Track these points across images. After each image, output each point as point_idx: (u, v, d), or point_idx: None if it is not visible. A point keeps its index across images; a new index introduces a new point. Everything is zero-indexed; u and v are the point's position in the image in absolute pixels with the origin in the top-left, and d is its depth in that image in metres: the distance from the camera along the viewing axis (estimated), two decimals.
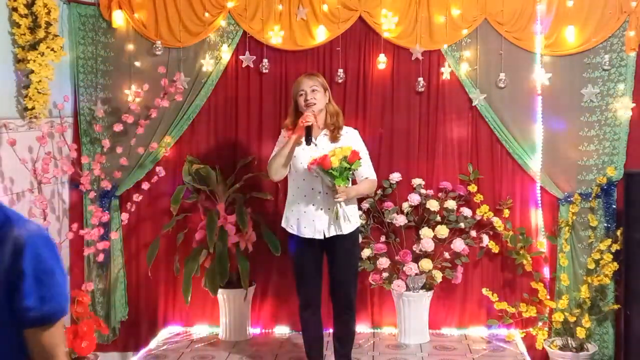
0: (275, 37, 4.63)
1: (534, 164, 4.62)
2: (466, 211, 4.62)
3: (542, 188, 4.65)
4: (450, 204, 4.62)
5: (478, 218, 4.64)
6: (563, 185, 4.61)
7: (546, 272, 4.66)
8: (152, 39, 4.67)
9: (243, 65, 4.72)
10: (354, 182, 3.90)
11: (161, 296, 4.92)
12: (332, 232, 3.75)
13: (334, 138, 3.80)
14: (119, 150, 4.53)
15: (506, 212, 4.64)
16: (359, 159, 3.67)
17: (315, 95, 3.73)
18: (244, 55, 4.69)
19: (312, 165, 3.67)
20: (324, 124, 3.83)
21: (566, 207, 4.58)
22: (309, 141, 3.66)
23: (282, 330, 4.88)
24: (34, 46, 4.04)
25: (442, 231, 4.58)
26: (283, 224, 3.89)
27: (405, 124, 4.73)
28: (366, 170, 3.86)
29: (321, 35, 4.63)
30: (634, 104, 4.51)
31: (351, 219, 3.78)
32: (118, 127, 4.50)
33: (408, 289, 4.59)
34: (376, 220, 4.71)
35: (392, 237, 4.71)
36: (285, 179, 3.89)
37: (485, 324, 4.77)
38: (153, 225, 4.82)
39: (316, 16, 4.62)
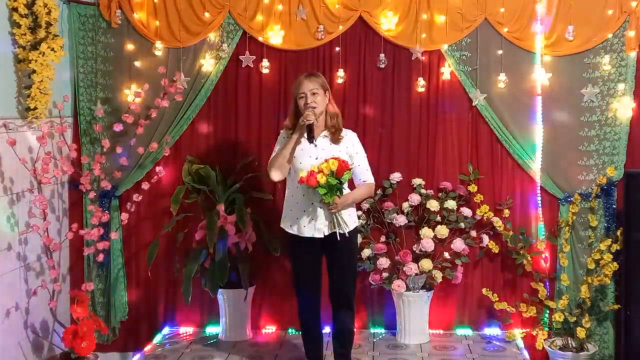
0: (275, 37, 4.63)
1: (534, 164, 4.62)
2: (466, 211, 4.62)
3: (542, 188, 4.65)
4: (450, 204, 4.62)
5: (478, 218, 4.65)
6: (563, 185, 4.61)
7: (546, 272, 4.66)
8: (152, 39, 4.67)
9: (243, 65, 4.72)
10: (352, 186, 3.90)
11: (161, 296, 4.92)
12: (332, 229, 3.75)
13: (336, 140, 3.80)
14: (118, 150, 4.53)
15: (506, 212, 4.64)
16: (349, 169, 3.66)
17: (316, 98, 3.73)
18: (244, 55, 4.69)
19: (299, 184, 3.67)
20: (324, 125, 3.83)
21: (566, 207, 4.58)
22: (311, 139, 3.66)
23: (282, 330, 4.88)
24: (34, 46, 4.04)
25: (442, 231, 4.58)
26: (282, 225, 3.90)
27: (405, 124, 4.73)
28: (364, 174, 3.86)
29: (321, 35, 4.63)
30: (634, 104, 4.52)
31: (349, 222, 3.78)
32: (118, 127, 4.50)
33: (408, 289, 4.59)
34: (376, 220, 4.71)
35: (392, 237, 4.71)
36: (284, 179, 3.89)
37: (485, 324, 4.77)
38: (153, 225, 4.82)
39: (316, 16, 4.62)
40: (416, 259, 4.60)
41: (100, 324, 4.28)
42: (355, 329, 4.10)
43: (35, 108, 4.10)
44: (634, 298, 4.33)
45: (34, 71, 4.04)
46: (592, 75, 4.54)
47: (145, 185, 4.54)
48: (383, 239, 4.71)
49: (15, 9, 3.95)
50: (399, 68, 4.69)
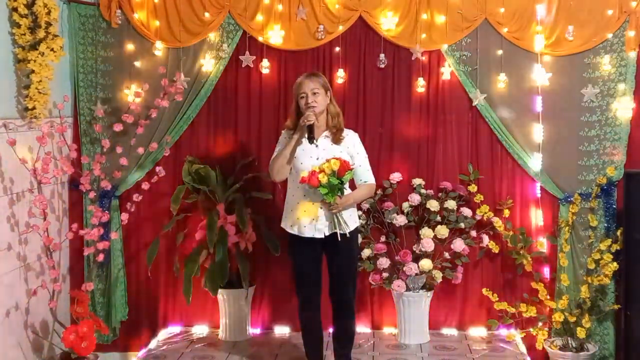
0: (275, 37, 4.63)
1: (534, 164, 4.62)
2: (466, 211, 4.62)
3: (542, 188, 4.65)
4: (450, 204, 4.62)
5: (478, 218, 4.65)
6: (563, 185, 4.61)
7: (546, 272, 4.66)
8: (152, 39, 4.67)
9: (243, 65, 4.72)
10: (353, 186, 3.89)
11: (161, 296, 4.92)
12: (332, 230, 3.74)
13: (337, 140, 3.80)
14: (119, 150, 4.53)
15: (506, 212, 4.64)
16: (350, 169, 3.66)
17: (317, 98, 3.73)
18: (244, 55, 4.69)
19: (301, 183, 3.67)
20: (325, 125, 3.83)
21: (566, 207, 4.58)
22: (311, 140, 3.66)
23: (282, 330, 4.88)
24: (34, 46, 4.04)
25: (442, 231, 4.58)
26: (283, 225, 3.90)
27: (405, 123, 4.73)
28: (365, 174, 3.86)
29: (321, 35, 4.63)
30: (634, 104, 4.51)
31: (349, 222, 3.77)
32: (118, 127, 4.50)
33: (408, 289, 4.59)
34: (376, 220, 4.71)
35: (392, 237, 4.71)
36: (285, 179, 3.89)
37: (485, 324, 4.77)
38: (153, 225, 4.82)
39: (316, 16, 4.62)
40: (416, 259, 4.60)
41: (100, 324, 4.28)
42: (355, 329, 4.10)
43: (34, 108, 4.09)
44: (634, 298, 4.33)
45: (32, 71, 4.04)
46: (592, 75, 4.54)
47: (145, 185, 4.53)
48: (383, 239, 4.71)
49: (15, 9, 3.94)
50: (399, 68, 4.69)
